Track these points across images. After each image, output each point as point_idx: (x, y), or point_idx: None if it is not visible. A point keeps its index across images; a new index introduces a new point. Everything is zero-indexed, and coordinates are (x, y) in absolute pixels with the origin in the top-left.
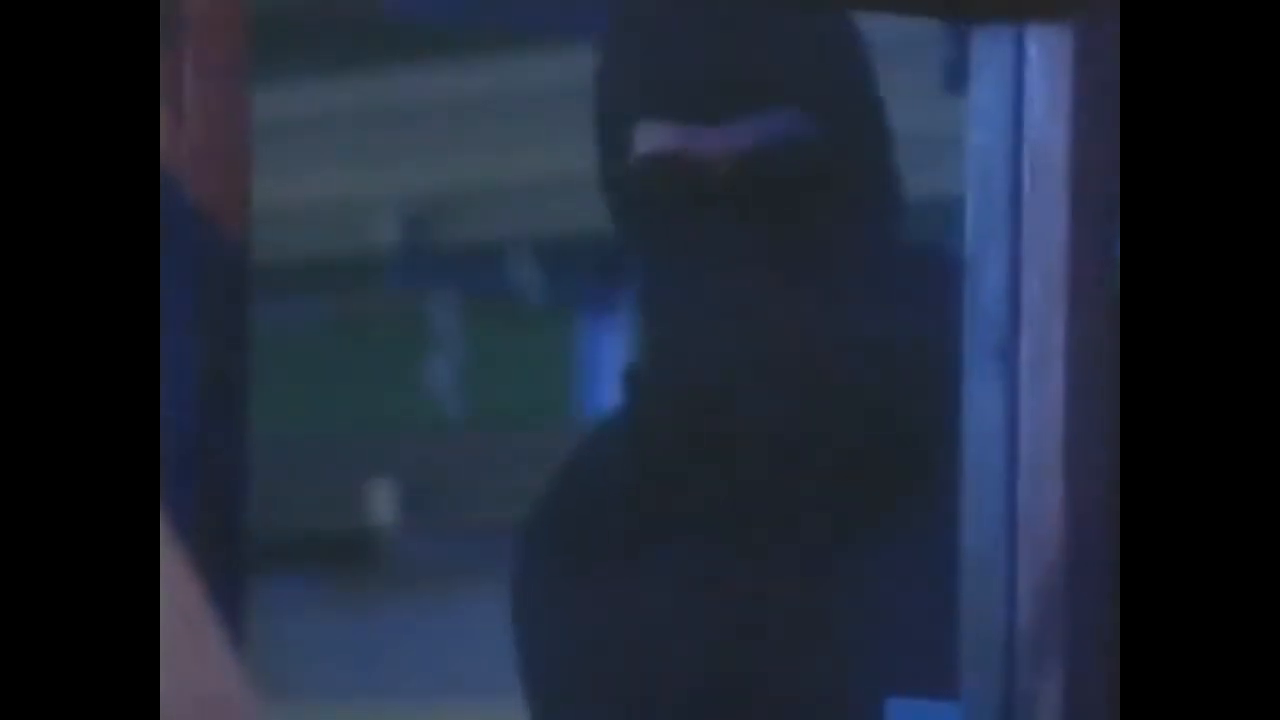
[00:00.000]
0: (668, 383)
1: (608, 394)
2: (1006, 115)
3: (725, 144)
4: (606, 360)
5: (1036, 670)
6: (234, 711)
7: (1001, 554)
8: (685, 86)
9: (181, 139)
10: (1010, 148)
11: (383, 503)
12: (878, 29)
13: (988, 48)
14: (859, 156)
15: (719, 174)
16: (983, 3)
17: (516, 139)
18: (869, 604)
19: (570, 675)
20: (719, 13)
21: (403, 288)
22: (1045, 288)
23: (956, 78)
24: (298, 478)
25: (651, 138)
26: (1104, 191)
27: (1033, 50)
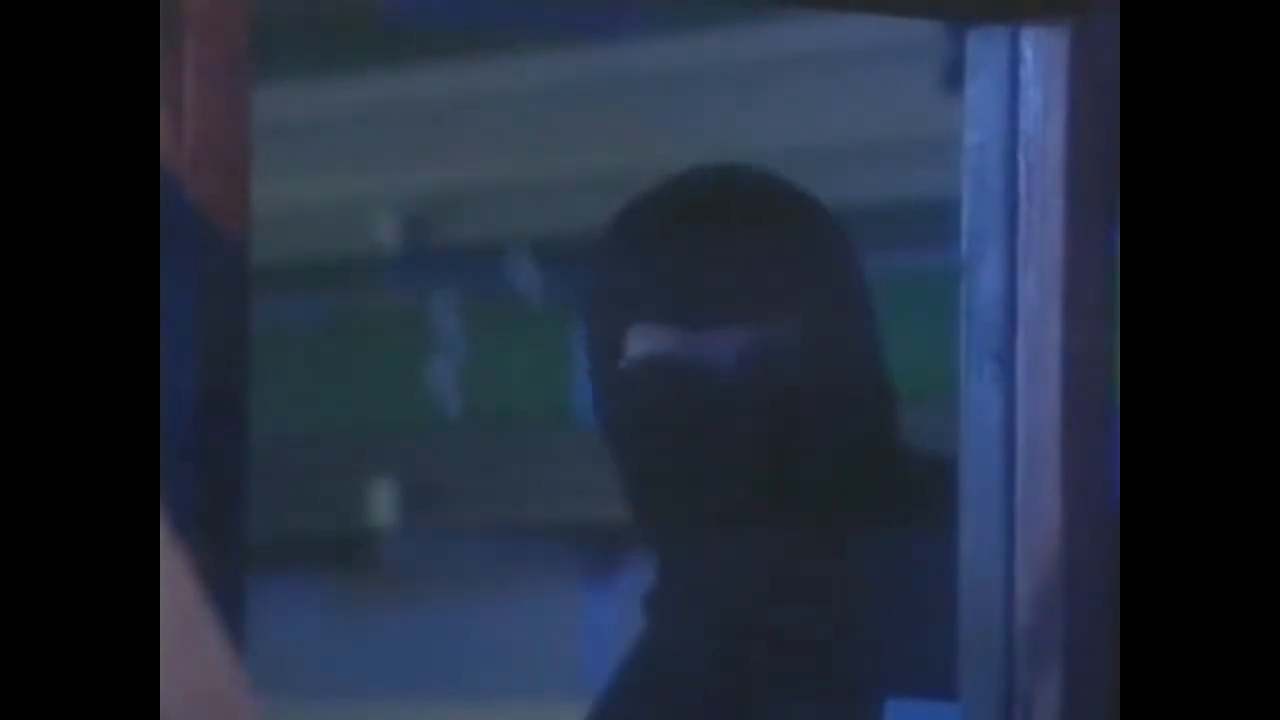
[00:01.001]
0: (682, 609)
1: None
2: (1002, 116)
3: (728, 349)
4: None
5: (1035, 671)
6: (234, 711)
7: (1000, 556)
8: (685, 291)
9: (181, 139)
10: (1006, 148)
11: (383, 503)
12: (879, 29)
13: (983, 49)
14: (857, 364)
15: (720, 379)
16: (979, 4)
17: (516, 139)
18: None
19: None
20: (716, 221)
21: (403, 288)
22: (1041, 288)
23: (955, 78)
24: (298, 478)
25: (648, 339)
26: (1100, 191)
27: (1028, 51)
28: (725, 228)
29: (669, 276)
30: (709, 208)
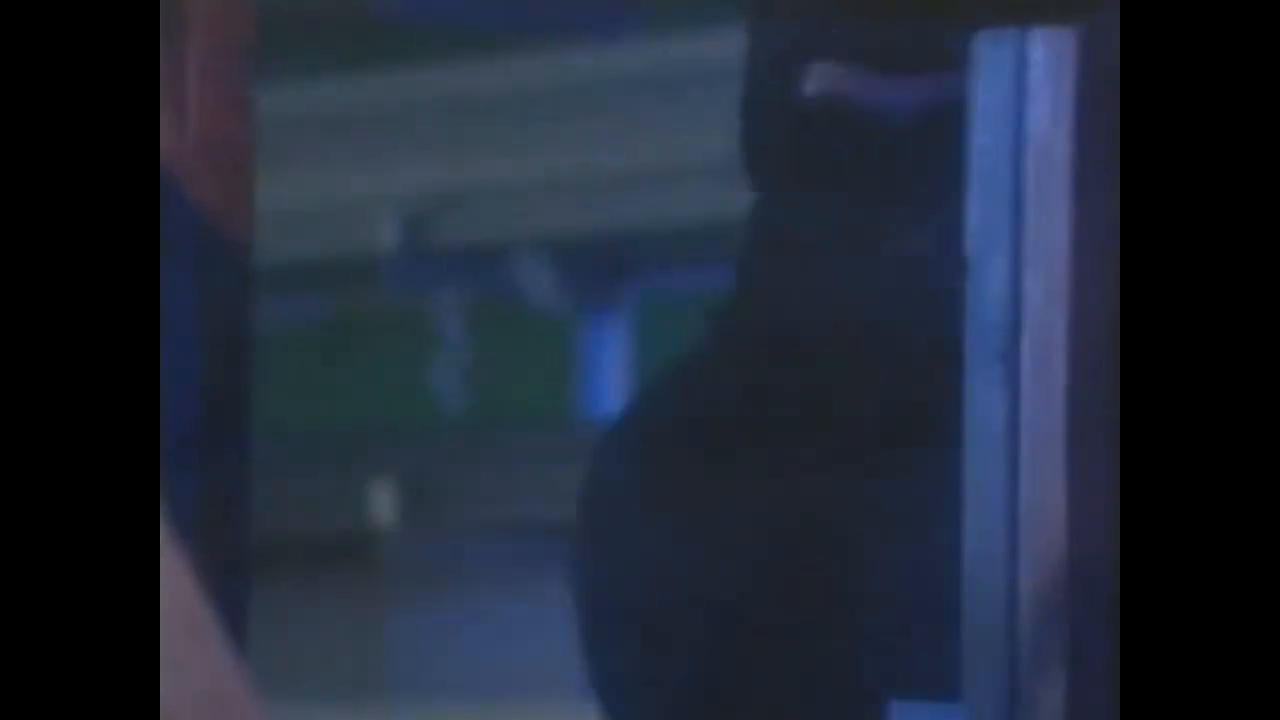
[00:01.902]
0: (765, 317)
1: (609, 395)
2: (1009, 118)
3: (906, 95)
4: (609, 361)
5: (1038, 672)
6: (235, 712)
7: (1003, 556)
8: (867, 34)
9: (183, 139)
10: (1012, 150)
11: (383, 503)
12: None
13: (990, 50)
14: None
15: (894, 125)
16: (988, 7)
17: (516, 139)
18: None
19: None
20: None
21: (403, 288)
22: (1047, 289)
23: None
24: (298, 478)
25: (826, 79)
26: (1106, 194)
27: (1035, 52)
28: None
29: (855, 17)
30: None
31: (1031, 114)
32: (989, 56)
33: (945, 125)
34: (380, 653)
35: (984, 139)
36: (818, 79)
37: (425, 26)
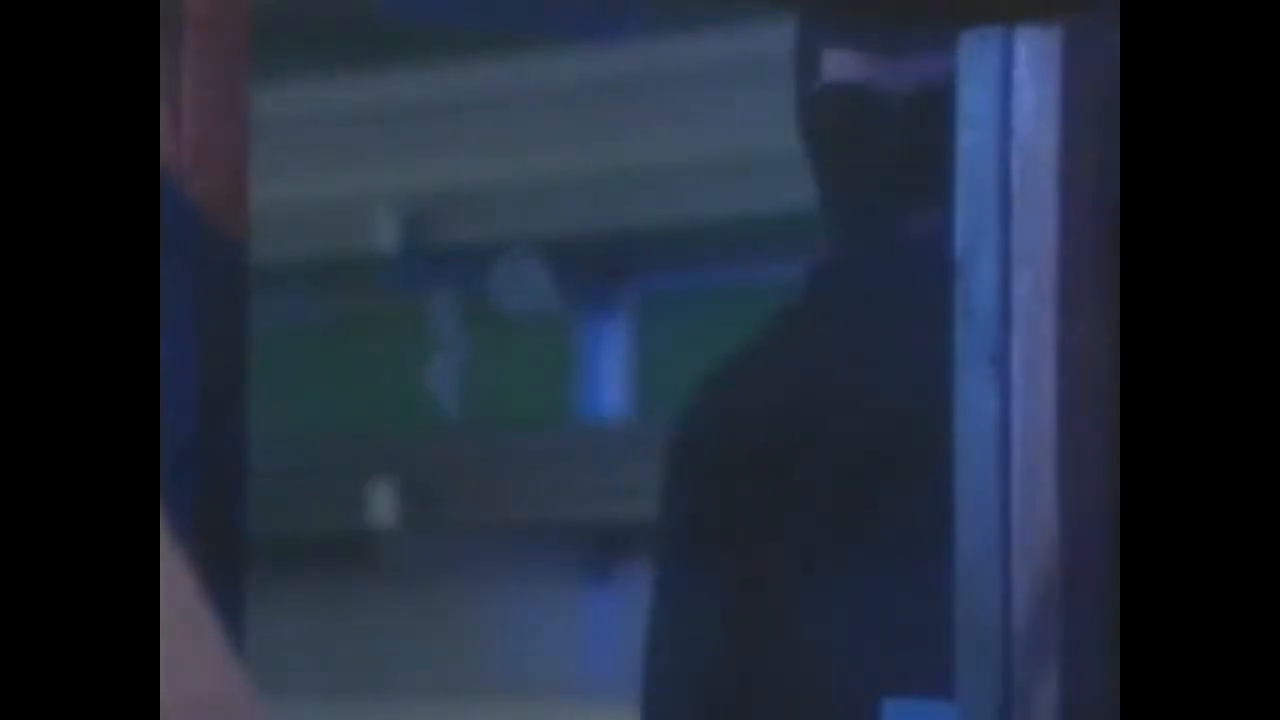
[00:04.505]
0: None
1: (608, 395)
2: (996, 116)
3: (907, 76)
4: (607, 361)
5: (1033, 670)
6: (234, 711)
7: (996, 555)
8: (872, 20)
9: (181, 138)
10: (999, 148)
11: (383, 503)
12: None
13: (976, 49)
14: None
15: (896, 104)
16: (974, 6)
17: (516, 139)
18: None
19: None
20: None
21: (402, 288)
22: (1036, 287)
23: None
24: (298, 478)
25: (839, 67)
26: (1094, 191)
27: (1021, 51)
28: None
29: (861, 6)
30: None
31: (1018, 112)
32: (975, 55)
33: (940, 101)
34: (380, 653)
35: (970, 137)
36: (832, 67)
37: (425, 26)
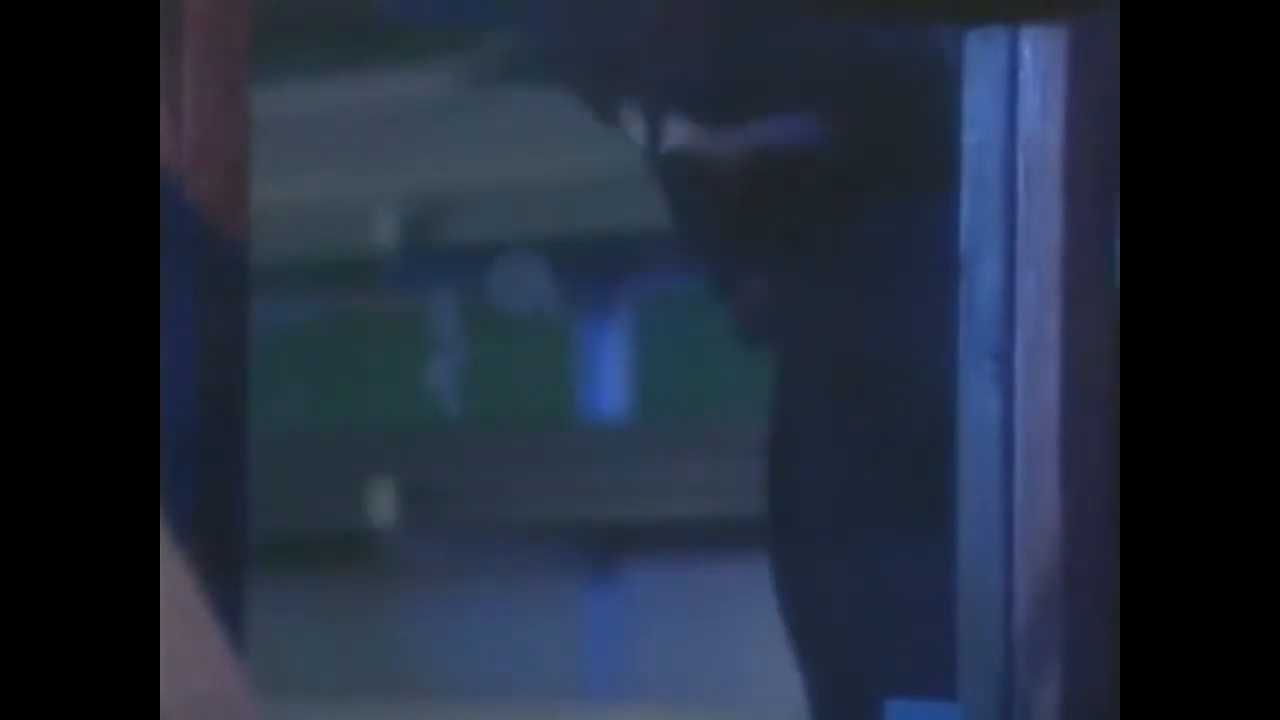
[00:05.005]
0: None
1: (609, 395)
2: (1000, 116)
3: (738, 145)
4: (607, 361)
5: (1035, 671)
6: (234, 711)
7: (998, 555)
8: (701, 88)
9: (181, 139)
10: (1004, 148)
11: (383, 503)
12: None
13: (981, 49)
14: (874, 154)
15: (731, 175)
16: (979, 6)
17: (516, 139)
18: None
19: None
20: (731, 14)
21: (402, 288)
22: (1040, 287)
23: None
24: (298, 478)
25: (675, 135)
26: (1098, 191)
27: (1026, 51)
28: (740, 23)
29: (689, 73)
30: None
31: (1023, 112)
32: (980, 55)
33: (778, 168)
34: (380, 653)
35: (975, 137)
36: (670, 132)
37: (425, 26)
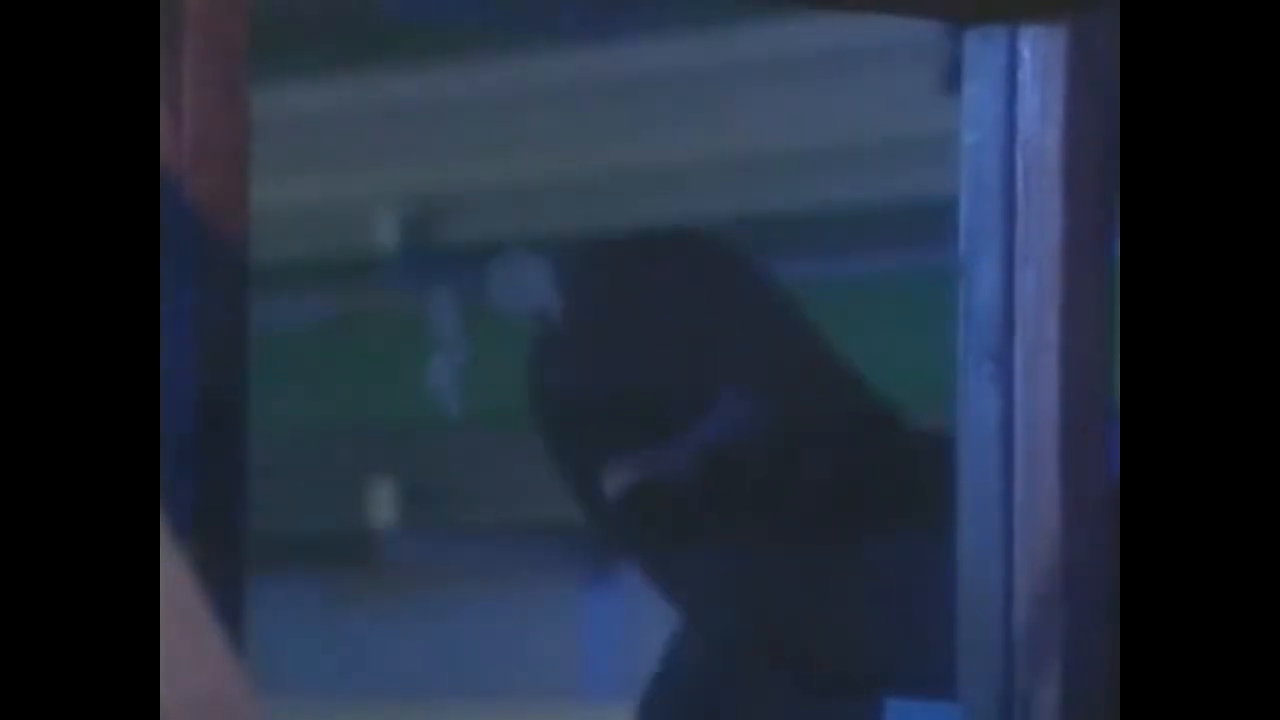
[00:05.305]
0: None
1: None
2: (1000, 116)
3: (682, 453)
4: None
5: (1035, 671)
6: (234, 711)
7: (999, 556)
8: (630, 409)
9: (181, 139)
10: (1003, 148)
11: (383, 503)
12: (877, 29)
13: (980, 49)
14: (821, 416)
15: (692, 483)
16: (978, 4)
17: (516, 139)
18: None
19: None
20: (643, 325)
21: (403, 288)
22: (1039, 287)
23: (954, 79)
24: (298, 478)
25: (619, 474)
26: (1097, 191)
27: (1025, 51)
28: (655, 329)
29: (613, 398)
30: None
31: (1022, 111)
32: (980, 55)
33: (729, 453)
34: (380, 652)
35: (974, 137)
36: (616, 477)
37: (425, 26)
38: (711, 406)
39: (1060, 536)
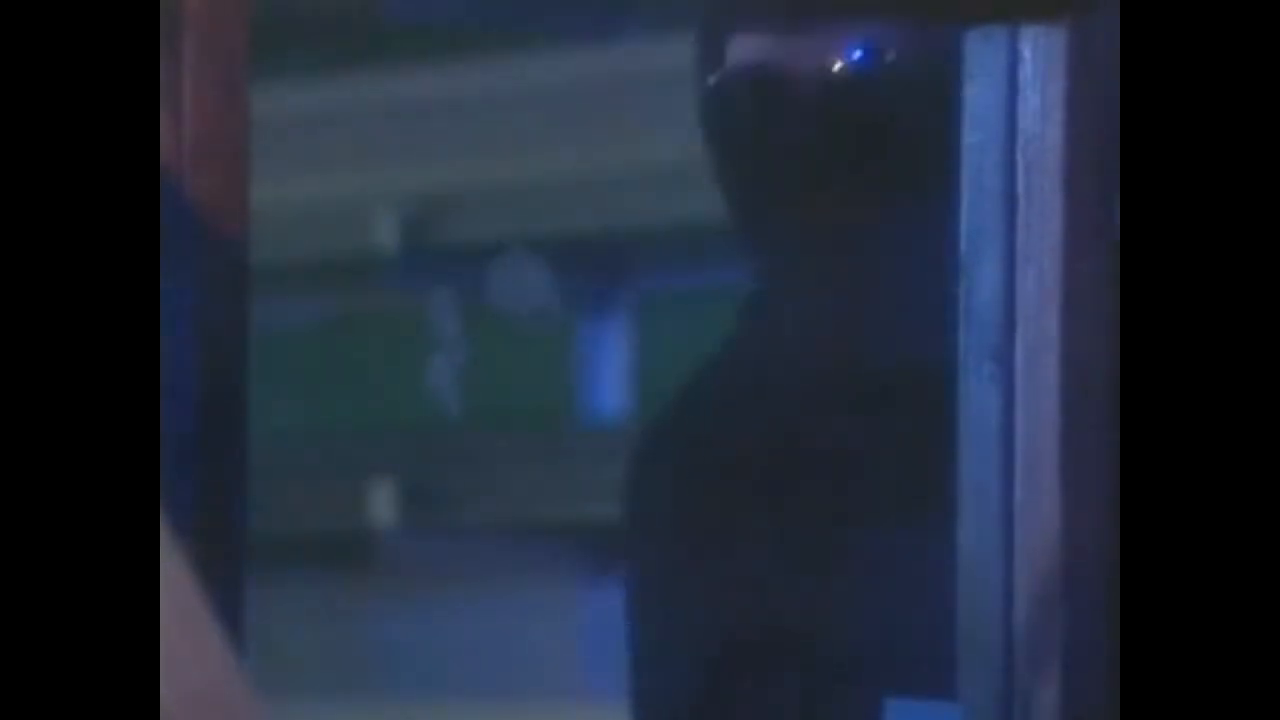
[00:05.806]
0: (775, 315)
1: (609, 395)
2: (1000, 116)
3: (813, 54)
4: (607, 361)
5: (1035, 671)
6: (234, 711)
7: (999, 555)
8: (774, 5)
9: (180, 138)
10: (1004, 148)
11: (383, 503)
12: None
13: (980, 49)
14: (938, 87)
15: (807, 86)
16: (978, 4)
17: (516, 139)
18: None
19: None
20: None
21: (403, 288)
22: (1040, 287)
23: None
24: (298, 478)
25: (741, 50)
26: (1099, 191)
27: (1026, 50)
28: None
29: None
30: None
31: (1023, 111)
32: (980, 54)
33: (862, 80)
34: (380, 652)
35: (974, 137)
36: (736, 51)
37: (425, 26)
38: (852, 24)
39: (1061, 536)
